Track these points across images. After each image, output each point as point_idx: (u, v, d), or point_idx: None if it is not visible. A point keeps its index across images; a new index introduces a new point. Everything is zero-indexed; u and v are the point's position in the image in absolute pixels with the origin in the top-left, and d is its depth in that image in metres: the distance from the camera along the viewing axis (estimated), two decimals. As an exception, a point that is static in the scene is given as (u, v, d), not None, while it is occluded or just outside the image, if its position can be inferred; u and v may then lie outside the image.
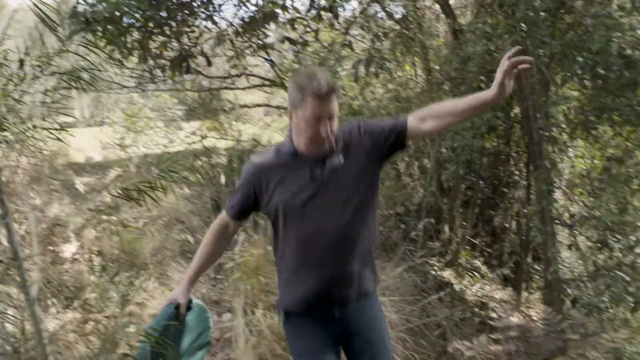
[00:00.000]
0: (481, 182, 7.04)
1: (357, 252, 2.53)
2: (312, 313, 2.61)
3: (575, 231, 6.84)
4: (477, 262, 6.99)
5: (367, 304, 2.67)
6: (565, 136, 6.51)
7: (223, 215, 2.75)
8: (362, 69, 6.03)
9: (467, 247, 7.03)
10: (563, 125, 6.40)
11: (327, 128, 2.38)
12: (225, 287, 5.04)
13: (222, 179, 6.14)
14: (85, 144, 10.56)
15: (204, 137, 7.38)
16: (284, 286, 2.67)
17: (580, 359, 4.56)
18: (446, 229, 6.65)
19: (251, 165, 2.63)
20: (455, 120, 2.53)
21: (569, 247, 7.11)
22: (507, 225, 7.45)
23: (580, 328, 5.19)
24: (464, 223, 7.01)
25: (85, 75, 3.18)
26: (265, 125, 8.20)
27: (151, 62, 6.99)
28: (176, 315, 2.75)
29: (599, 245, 6.48)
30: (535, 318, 6.45)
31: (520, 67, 2.23)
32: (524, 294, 7.11)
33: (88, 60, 3.19)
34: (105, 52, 6.41)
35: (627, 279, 6.20)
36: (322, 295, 2.55)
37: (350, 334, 2.64)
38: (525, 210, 6.77)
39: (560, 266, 6.49)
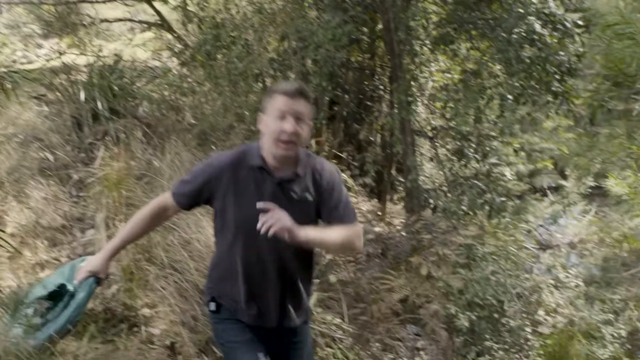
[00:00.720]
0: (346, 96, 7.17)
1: (294, 284, 2.60)
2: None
3: (436, 143, 7.17)
4: (344, 176, 7.17)
5: (300, 329, 2.73)
6: (426, 50, 6.71)
7: (167, 197, 2.63)
8: (225, -20, 5.91)
9: (334, 161, 7.18)
10: (425, 40, 6.57)
11: (292, 126, 2.30)
12: (87, 203, 4.93)
13: (82, 96, 5.90)
14: None
15: (62, 53, 7.02)
16: (219, 279, 2.66)
17: (433, 257, 4.85)
18: (312, 142, 6.76)
19: (213, 166, 2.50)
20: None
21: (431, 159, 7.47)
22: (372, 138, 7.67)
23: (434, 229, 5.50)
24: (331, 137, 7.15)
25: None
26: (127, 41, 7.92)
27: (-1, -29, 6.54)
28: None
29: (457, 155, 6.84)
30: (398, 227, 6.76)
31: None
32: (389, 205, 7.42)
33: None
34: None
35: (483, 187, 6.62)
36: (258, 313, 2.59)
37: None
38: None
39: (421, 176, 6.80)
